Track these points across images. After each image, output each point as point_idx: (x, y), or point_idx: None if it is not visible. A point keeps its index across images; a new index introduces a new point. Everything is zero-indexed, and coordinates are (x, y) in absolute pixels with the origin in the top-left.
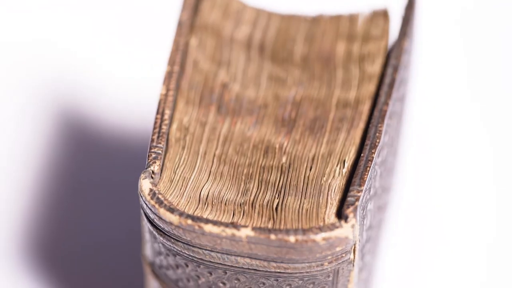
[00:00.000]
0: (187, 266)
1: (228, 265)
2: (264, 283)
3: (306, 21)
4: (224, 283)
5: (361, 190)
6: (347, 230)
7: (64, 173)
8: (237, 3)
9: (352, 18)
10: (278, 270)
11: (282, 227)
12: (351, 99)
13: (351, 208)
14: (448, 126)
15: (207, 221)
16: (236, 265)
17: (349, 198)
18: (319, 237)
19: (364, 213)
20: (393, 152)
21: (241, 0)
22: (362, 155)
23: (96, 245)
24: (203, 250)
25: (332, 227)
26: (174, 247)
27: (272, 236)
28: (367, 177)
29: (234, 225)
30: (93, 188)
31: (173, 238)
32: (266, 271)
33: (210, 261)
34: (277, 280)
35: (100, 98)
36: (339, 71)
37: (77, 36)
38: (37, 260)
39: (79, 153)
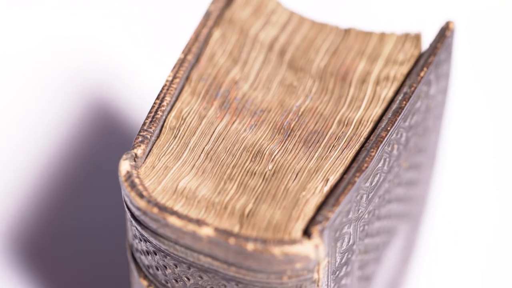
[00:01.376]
0: (155, 254)
1: (191, 261)
2: (225, 285)
3: (336, 32)
4: (188, 278)
5: (333, 211)
6: (308, 248)
7: (91, 161)
8: (272, 3)
9: (383, 38)
10: (238, 275)
11: (248, 233)
12: (354, 119)
13: (317, 227)
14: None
15: (172, 213)
16: (198, 262)
17: (317, 217)
18: (277, 250)
19: (337, 235)
20: (403, 182)
21: (279, 0)
22: (344, 176)
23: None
24: (168, 242)
25: (293, 242)
26: (143, 233)
27: (231, 240)
28: (343, 199)
29: (197, 222)
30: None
31: (142, 224)
32: (227, 274)
33: (175, 254)
34: (237, 285)
35: (133, 90)
36: (352, 89)
37: (114, 31)
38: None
39: (109, 142)
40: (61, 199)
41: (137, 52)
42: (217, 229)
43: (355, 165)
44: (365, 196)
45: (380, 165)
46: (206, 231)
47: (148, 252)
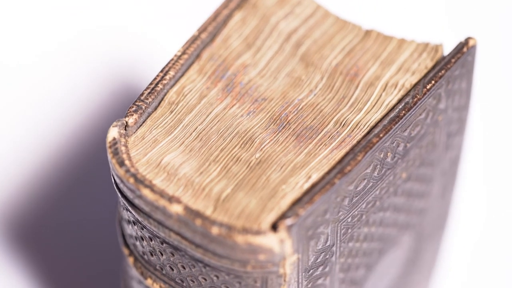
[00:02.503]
0: (134, 224)
1: (163, 237)
2: (194, 266)
3: (356, 32)
4: (161, 253)
5: (305, 209)
6: (272, 241)
7: None
8: None
9: (402, 44)
10: (205, 258)
11: (219, 217)
12: (352, 121)
13: (285, 222)
14: None
15: (146, 185)
16: (169, 239)
17: (287, 212)
18: (240, 238)
19: (310, 234)
20: (403, 192)
21: None
22: (325, 176)
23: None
24: (143, 214)
25: (257, 233)
26: (124, 202)
27: (198, 221)
28: (318, 198)
29: (169, 199)
30: None
31: (122, 193)
32: (194, 255)
33: (149, 227)
34: (205, 267)
35: None
36: (358, 91)
37: (145, 21)
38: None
39: None
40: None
41: (168, 41)
42: (186, 208)
43: (338, 166)
44: (347, 199)
45: (368, 170)
46: (176, 209)
47: (129, 222)
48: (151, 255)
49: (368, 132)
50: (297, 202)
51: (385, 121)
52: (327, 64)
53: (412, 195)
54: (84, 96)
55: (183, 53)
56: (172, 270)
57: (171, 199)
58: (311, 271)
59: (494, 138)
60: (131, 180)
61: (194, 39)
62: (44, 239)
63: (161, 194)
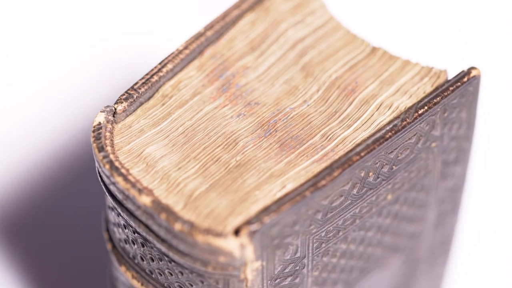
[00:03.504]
0: (112, 210)
1: (134, 227)
2: (161, 259)
3: (363, 48)
4: (133, 243)
5: (270, 217)
6: (231, 245)
7: None
8: (317, 3)
9: (406, 65)
10: (169, 253)
11: (186, 214)
12: (339, 137)
13: (247, 228)
14: None
15: (119, 174)
16: (139, 230)
17: (252, 219)
18: (201, 237)
19: (276, 243)
20: (389, 214)
21: (324, 2)
22: (296, 188)
23: None
24: (117, 201)
25: (218, 235)
26: (102, 186)
27: (163, 215)
28: (285, 208)
29: (139, 189)
30: None
31: (101, 177)
32: (161, 249)
33: (122, 215)
34: (170, 262)
35: None
36: (351, 107)
37: (171, 25)
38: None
39: None
40: None
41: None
42: (154, 201)
43: (313, 179)
44: (321, 213)
45: (346, 188)
46: (144, 200)
47: (109, 207)
48: (126, 243)
49: (352, 150)
50: (265, 209)
51: (369, 141)
52: (327, 77)
53: (401, 218)
54: (100, 96)
55: (185, 48)
56: (143, 260)
57: (141, 190)
58: (278, 280)
59: (504, 175)
60: (107, 166)
61: (198, 35)
62: (32, 231)
63: (133, 184)
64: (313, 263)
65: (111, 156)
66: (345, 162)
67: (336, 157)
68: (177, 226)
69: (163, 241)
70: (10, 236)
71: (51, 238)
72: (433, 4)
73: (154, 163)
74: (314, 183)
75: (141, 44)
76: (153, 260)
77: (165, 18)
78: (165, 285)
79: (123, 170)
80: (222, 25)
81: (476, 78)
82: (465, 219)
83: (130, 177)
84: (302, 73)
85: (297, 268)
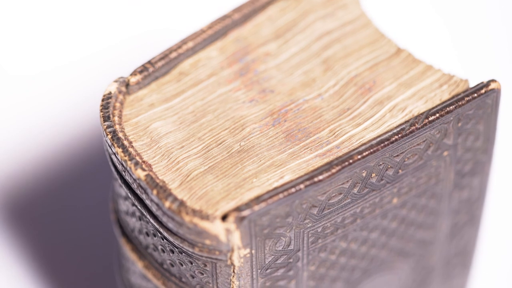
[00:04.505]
0: (116, 180)
1: (133, 200)
2: (155, 235)
3: (388, 48)
4: (132, 215)
5: (260, 206)
6: (217, 229)
7: None
8: None
9: (427, 70)
10: (161, 230)
11: (180, 193)
12: (347, 134)
13: (235, 213)
14: None
15: (120, 145)
16: (135, 203)
17: (243, 205)
18: (188, 217)
19: (266, 232)
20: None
21: None
22: (292, 180)
23: None
24: (117, 172)
25: (205, 217)
26: (107, 155)
27: (154, 191)
28: (277, 199)
29: (136, 162)
30: None
31: (105, 147)
32: (154, 225)
33: (123, 187)
34: (163, 239)
35: None
36: (364, 106)
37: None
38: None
39: None
40: None
41: None
42: (148, 176)
43: (309, 173)
44: (317, 209)
45: (346, 186)
46: (139, 174)
47: (114, 178)
48: (126, 215)
49: (356, 148)
50: (257, 197)
51: (374, 141)
52: (346, 73)
53: (409, 224)
54: None
55: (209, 27)
56: (140, 234)
57: (138, 163)
58: (269, 270)
59: None
60: (109, 136)
61: (224, 17)
62: (39, 222)
63: (131, 156)
64: (308, 257)
65: (116, 127)
66: (345, 160)
67: (340, 153)
68: (167, 204)
69: (154, 217)
70: (17, 221)
71: (60, 223)
72: (479, 14)
73: (159, 138)
74: (310, 177)
75: (157, 43)
76: (148, 235)
77: (180, 17)
78: (159, 261)
79: (125, 142)
80: (250, 9)
81: (495, 91)
82: (488, 233)
83: (130, 150)
84: (323, 66)
85: (291, 260)
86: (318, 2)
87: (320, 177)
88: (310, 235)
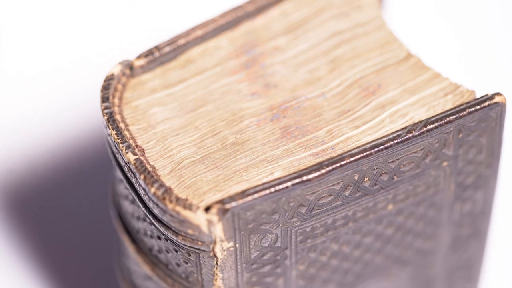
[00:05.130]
0: (112, 162)
1: (125, 183)
2: (144, 220)
3: (397, 52)
4: (125, 198)
5: (244, 200)
6: (199, 220)
7: None
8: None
9: (434, 78)
10: (148, 215)
11: (169, 180)
12: (344, 135)
13: (218, 205)
14: None
15: (114, 127)
16: (127, 186)
17: (227, 198)
18: (171, 205)
19: (251, 227)
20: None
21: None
22: (280, 177)
23: None
24: (112, 153)
25: (187, 206)
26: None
27: (142, 176)
28: (261, 194)
29: (128, 146)
30: None
31: (104, 127)
32: (143, 210)
33: (116, 168)
34: (151, 224)
35: None
36: (365, 109)
37: None
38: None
39: None
40: None
41: None
42: (137, 160)
43: (298, 171)
44: (305, 208)
45: (337, 188)
46: (129, 157)
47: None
48: (120, 197)
49: (349, 151)
50: (243, 191)
51: (368, 145)
52: (352, 74)
53: (406, 231)
54: None
55: (221, 17)
56: (132, 218)
57: (129, 147)
58: (255, 265)
59: None
60: (105, 117)
61: (238, 8)
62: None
63: (124, 139)
64: (297, 256)
65: (115, 109)
66: (336, 161)
67: (334, 154)
68: (152, 189)
69: (143, 201)
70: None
71: (60, 220)
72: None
73: (156, 123)
74: (298, 176)
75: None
76: (139, 219)
77: (183, 17)
78: (148, 246)
79: (121, 124)
80: (264, 2)
81: (500, 105)
82: (496, 248)
83: (125, 132)
84: (330, 66)
85: (278, 257)
86: (335, 0)
87: (309, 177)
88: (298, 234)
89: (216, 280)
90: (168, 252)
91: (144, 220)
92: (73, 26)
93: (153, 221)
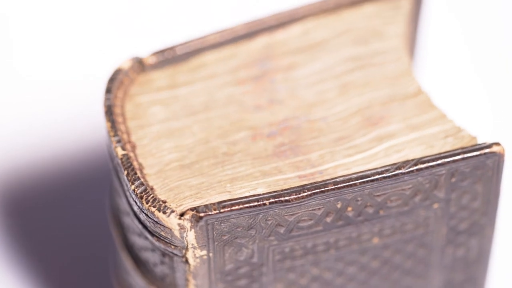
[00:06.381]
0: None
1: (114, 176)
2: (128, 215)
3: (409, 87)
4: (115, 191)
5: (218, 211)
6: (172, 223)
7: None
8: (392, 31)
9: (439, 118)
10: (130, 211)
11: (152, 180)
12: (335, 162)
13: (192, 213)
14: None
15: (110, 119)
16: (116, 181)
17: (202, 206)
18: (147, 205)
19: (226, 239)
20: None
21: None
22: (256, 194)
23: None
24: (108, 144)
25: (161, 208)
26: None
27: (125, 172)
28: (237, 208)
29: (118, 140)
30: None
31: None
32: (126, 205)
33: (110, 160)
34: (132, 221)
35: None
36: (363, 139)
37: None
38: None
39: None
40: None
41: None
42: (124, 156)
43: (278, 191)
44: (284, 228)
45: (318, 213)
46: (118, 152)
47: None
48: (111, 190)
49: (334, 178)
50: (220, 202)
51: (353, 175)
52: (358, 102)
53: (394, 267)
54: None
55: (242, 27)
56: (119, 211)
57: (120, 141)
58: (231, 277)
59: None
60: (105, 108)
61: (259, 21)
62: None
63: (117, 133)
64: (275, 274)
65: (116, 101)
66: (318, 187)
67: (320, 179)
68: (132, 187)
69: (126, 198)
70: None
71: (58, 222)
72: None
73: (154, 122)
74: (277, 195)
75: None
76: (124, 214)
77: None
78: (131, 241)
79: (118, 118)
80: (287, 18)
81: (497, 155)
82: None
83: (120, 126)
84: (338, 90)
85: (254, 273)
86: (357, 25)
87: (287, 198)
88: (276, 253)
89: (189, 285)
90: (146, 251)
91: (128, 215)
92: (71, 26)
93: (133, 218)
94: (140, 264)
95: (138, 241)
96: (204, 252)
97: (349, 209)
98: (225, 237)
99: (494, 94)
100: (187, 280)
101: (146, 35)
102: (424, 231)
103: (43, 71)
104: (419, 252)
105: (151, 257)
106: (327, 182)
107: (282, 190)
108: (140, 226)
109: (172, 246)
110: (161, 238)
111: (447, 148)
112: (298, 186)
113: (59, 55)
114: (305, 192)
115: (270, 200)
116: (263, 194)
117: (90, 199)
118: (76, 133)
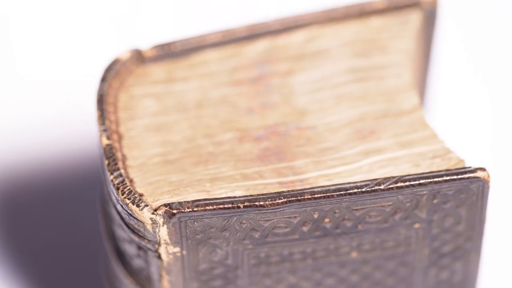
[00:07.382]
0: None
1: (100, 165)
2: (109, 206)
3: (405, 102)
4: (103, 182)
5: (191, 209)
6: (144, 217)
7: None
8: (399, 46)
9: (430, 138)
10: (110, 202)
11: (133, 172)
12: (317, 172)
13: (165, 209)
14: None
15: (100, 108)
16: (101, 170)
17: (176, 203)
18: (122, 196)
19: (199, 238)
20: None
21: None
22: (231, 196)
23: None
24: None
25: (135, 201)
26: None
27: (106, 161)
28: (211, 208)
29: (104, 129)
30: None
31: None
32: (108, 195)
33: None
34: (111, 210)
35: None
36: (351, 151)
37: None
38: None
39: None
40: None
41: None
42: (108, 146)
43: (254, 195)
44: (258, 233)
45: (294, 221)
46: (102, 141)
47: None
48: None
49: (313, 188)
50: (194, 201)
51: (332, 187)
52: (351, 114)
53: (374, 283)
54: None
55: (245, 29)
56: (104, 200)
57: (106, 131)
58: (205, 277)
59: None
60: (98, 97)
61: (267, 24)
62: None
63: (104, 122)
64: (251, 278)
65: (109, 90)
66: (295, 195)
67: (299, 187)
68: (111, 177)
69: (107, 186)
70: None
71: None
72: None
73: (143, 115)
74: (251, 200)
75: None
76: (107, 204)
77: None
78: (111, 232)
79: (109, 107)
80: (292, 24)
81: (481, 181)
82: None
83: (111, 115)
84: (333, 101)
85: (229, 275)
86: (362, 37)
87: (262, 203)
88: (251, 257)
89: (163, 281)
90: (124, 242)
91: (110, 206)
92: (71, 26)
93: (112, 208)
94: (120, 255)
95: (118, 231)
96: (178, 249)
97: (326, 220)
98: (198, 236)
99: (500, 119)
100: (161, 275)
101: (149, 34)
102: (406, 250)
103: (41, 69)
104: (400, 271)
105: (129, 249)
106: (304, 191)
107: (258, 195)
108: (117, 217)
109: (146, 240)
110: (135, 231)
111: (433, 168)
112: (274, 193)
113: (59, 55)
114: (281, 199)
115: (245, 204)
116: (238, 197)
117: (89, 198)
118: (76, 133)
